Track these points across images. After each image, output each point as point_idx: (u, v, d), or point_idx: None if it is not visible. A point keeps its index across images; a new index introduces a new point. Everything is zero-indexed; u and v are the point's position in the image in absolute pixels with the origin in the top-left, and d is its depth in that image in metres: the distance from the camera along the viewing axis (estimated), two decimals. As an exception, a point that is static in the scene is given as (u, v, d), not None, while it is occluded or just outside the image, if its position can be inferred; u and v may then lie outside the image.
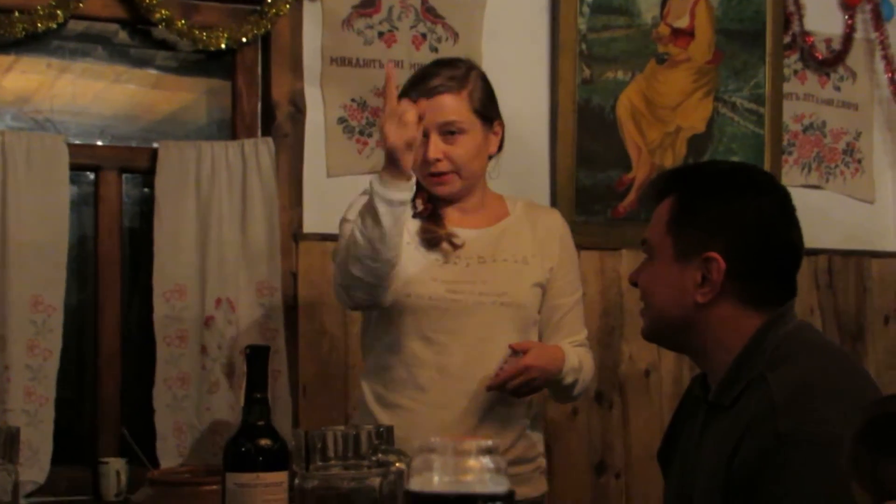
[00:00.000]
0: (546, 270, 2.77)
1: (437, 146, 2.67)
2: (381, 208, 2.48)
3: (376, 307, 2.69)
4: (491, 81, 2.82)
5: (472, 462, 0.80)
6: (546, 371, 2.63)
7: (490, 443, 0.81)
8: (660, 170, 3.94)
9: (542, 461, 2.86)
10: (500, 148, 2.84)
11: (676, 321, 2.00)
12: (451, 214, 2.77)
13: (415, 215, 2.75)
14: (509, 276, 2.72)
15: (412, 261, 2.69)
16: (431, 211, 2.76)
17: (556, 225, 2.85)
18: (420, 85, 2.72)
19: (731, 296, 1.95)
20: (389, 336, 2.74)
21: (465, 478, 0.79)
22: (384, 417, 2.66)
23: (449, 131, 2.68)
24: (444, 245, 2.72)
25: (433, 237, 2.72)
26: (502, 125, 2.80)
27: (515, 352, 2.61)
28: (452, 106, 2.68)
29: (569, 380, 2.70)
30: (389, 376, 2.74)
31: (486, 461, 0.80)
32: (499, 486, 0.80)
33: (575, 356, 2.72)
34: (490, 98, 2.76)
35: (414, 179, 2.52)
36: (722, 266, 1.94)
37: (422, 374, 2.68)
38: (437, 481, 0.79)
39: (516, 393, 2.63)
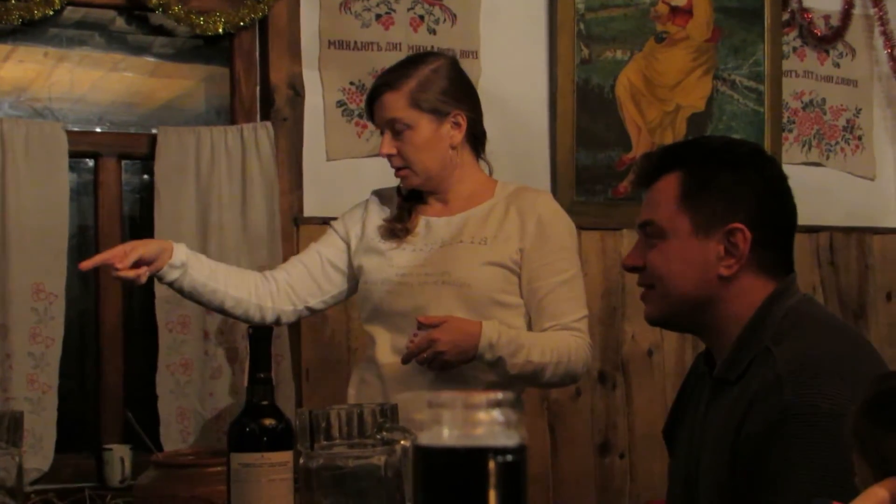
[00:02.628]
0: (513, 251, 2.72)
1: (386, 143, 2.75)
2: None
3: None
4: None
5: (482, 415, 0.79)
6: (456, 345, 2.56)
7: (501, 395, 0.80)
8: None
9: None
10: (477, 136, 2.82)
11: (696, 299, 1.96)
12: (433, 204, 2.82)
13: (396, 208, 2.85)
14: (457, 256, 2.72)
15: (376, 252, 2.80)
16: (403, 205, 2.83)
17: (536, 206, 2.77)
18: (372, 86, 2.83)
19: (752, 265, 1.94)
20: (361, 320, 2.88)
21: (476, 431, 0.79)
22: (353, 393, 2.82)
23: (394, 128, 2.73)
24: (401, 235, 2.79)
25: (390, 228, 2.80)
26: (465, 115, 2.76)
27: (423, 325, 2.57)
28: (390, 104, 2.72)
29: (487, 357, 2.59)
30: (364, 356, 2.87)
31: (497, 414, 0.80)
32: (510, 440, 0.79)
33: (498, 334, 2.60)
34: (445, 91, 2.74)
35: (170, 259, 2.70)
36: (748, 235, 1.93)
37: (380, 353, 2.75)
38: (446, 435, 0.78)
39: (429, 366, 2.60)
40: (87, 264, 2.64)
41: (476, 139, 2.82)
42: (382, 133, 2.77)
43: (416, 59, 2.82)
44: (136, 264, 2.63)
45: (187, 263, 2.71)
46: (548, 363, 2.64)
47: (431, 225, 2.79)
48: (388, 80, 2.75)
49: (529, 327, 2.74)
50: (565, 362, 2.67)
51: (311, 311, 2.92)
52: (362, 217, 2.88)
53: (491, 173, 2.88)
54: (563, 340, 2.69)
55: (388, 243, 2.79)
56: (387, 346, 2.73)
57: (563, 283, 2.74)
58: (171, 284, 2.74)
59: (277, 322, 2.89)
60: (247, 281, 2.83)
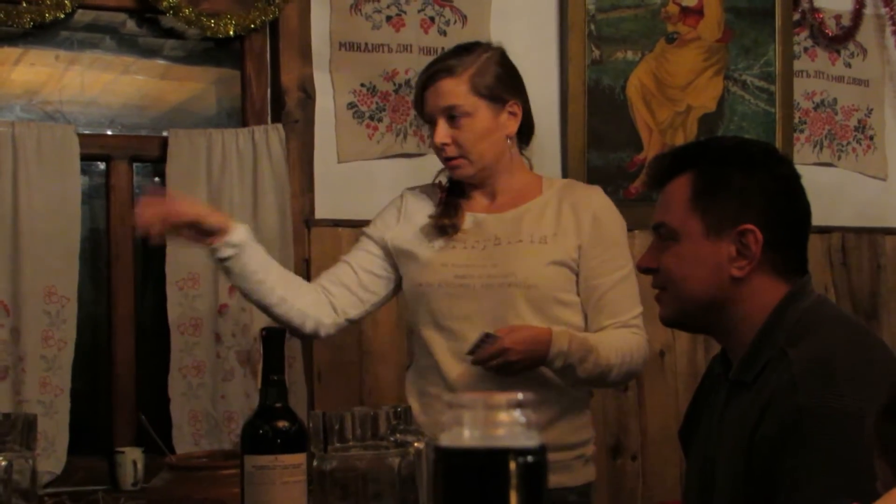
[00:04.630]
0: (572, 249, 2.68)
1: (442, 131, 2.67)
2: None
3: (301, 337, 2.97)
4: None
5: (503, 416, 0.79)
6: (528, 353, 2.53)
7: (520, 396, 0.80)
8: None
9: (589, 448, 2.76)
10: (527, 128, 2.78)
11: (708, 300, 1.96)
12: (478, 200, 2.76)
13: (437, 204, 2.77)
14: (521, 256, 2.66)
15: (424, 250, 2.72)
16: (446, 200, 2.75)
17: (589, 202, 2.74)
18: (424, 73, 2.75)
19: (765, 267, 1.94)
20: (413, 326, 2.80)
21: (496, 432, 0.79)
22: (417, 406, 2.68)
23: (451, 115, 2.66)
24: (450, 232, 2.72)
25: (440, 225, 2.73)
26: (520, 105, 2.72)
27: (489, 335, 2.52)
28: (450, 90, 2.66)
29: (557, 364, 2.56)
30: (419, 365, 2.77)
31: (517, 415, 0.79)
32: (530, 441, 0.79)
33: (568, 340, 2.56)
34: (501, 79, 2.70)
35: (227, 236, 2.62)
36: (759, 237, 1.92)
37: (443, 362, 2.68)
38: (467, 436, 0.78)
39: (497, 372, 2.55)
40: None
41: (525, 132, 2.78)
42: (433, 122, 2.69)
43: (469, 47, 2.74)
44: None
45: (243, 245, 2.63)
46: (614, 364, 2.62)
47: (481, 222, 2.73)
48: (446, 65, 2.68)
49: (585, 324, 2.71)
50: (629, 362, 2.65)
51: (351, 321, 2.84)
52: (399, 216, 2.81)
53: (532, 167, 2.83)
54: (626, 339, 2.66)
55: (436, 242, 2.72)
56: (448, 355, 2.67)
57: (620, 280, 2.71)
58: (221, 261, 2.64)
59: (315, 334, 2.80)
60: (296, 284, 2.76)
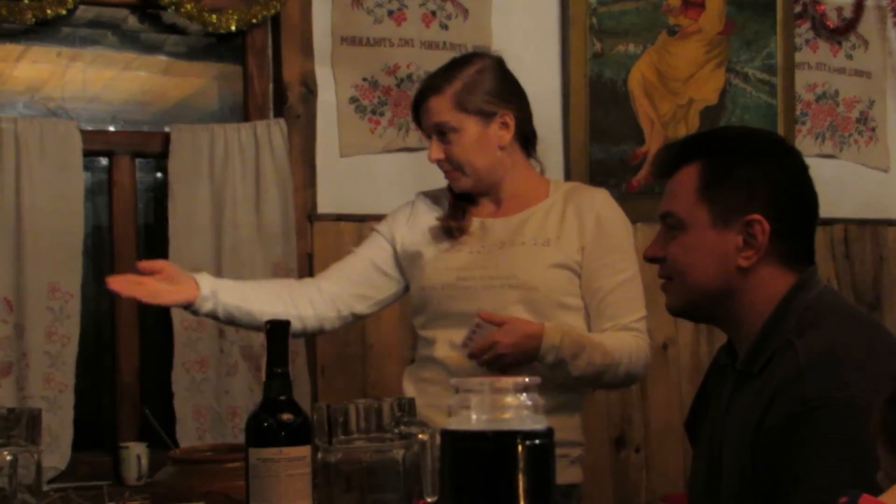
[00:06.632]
0: (575, 251, 2.68)
1: (435, 147, 2.71)
2: None
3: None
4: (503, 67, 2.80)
5: (510, 399, 0.79)
6: (518, 347, 2.51)
7: (527, 380, 0.81)
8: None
9: (575, 450, 2.75)
10: (527, 135, 2.78)
11: (715, 290, 1.96)
12: (485, 205, 2.78)
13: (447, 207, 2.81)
14: (522, 258, 2.67)
15: (430, 252, 2.75)
16: (454, 203, 2.78)
17: (592, 204, 2.73)
18: (416, 91, 2.80)
19: (771, 257, 1.94)
20: (416, 328, 2.82)
21: (504, 415, 0.79)
22: (412, 390, 2.71)
23: (441, 131, 2.69)
24: (456, 234, 2.75)
25: (445, 228, 2.76)
26: (514, 116, 2.72)
27: (483, 323, 2.53)
28: (435, 108, 2.69)
29: (549, 359, 2.54)
30: (419, 356, 2.80)
31: (524, 398, 0.80)
32: (537, 424, 0.79)
33: (560, 336, 2.55)
34: (491, 92, 2.70)
35: (200, 291, 2.64)
36: (766, 227, 1.92)
37: (440, 351, 2.69)
38: (474, 419, 0.79)
39: (489, 367, 2.55)
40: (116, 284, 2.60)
41: (526, 139, 2.78)
42: (430, 138, 2.73)
43: (461, 61, 2.77)
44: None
45: (217, 290, 2.66)
46: (609, 364, 2.60)
47: (487, 226, 2.75)
48: (433, 83, 2.72)
49: (588, 328, 2.70)
50: (626, 363, 2.63)
51: (358, 317, 2.87)
52: (409, 218, 2.83)
53: (543, 172, 2.84)
54: (624, 341, 2.65)
55: (442, 244, 2.75)
56: (445, 344, 2.68)
57: (622, 282, 2.70)
58: (207, 315, 2.70)
59: (321, 330, 2.84)
60: (280, 294, 2.76)
